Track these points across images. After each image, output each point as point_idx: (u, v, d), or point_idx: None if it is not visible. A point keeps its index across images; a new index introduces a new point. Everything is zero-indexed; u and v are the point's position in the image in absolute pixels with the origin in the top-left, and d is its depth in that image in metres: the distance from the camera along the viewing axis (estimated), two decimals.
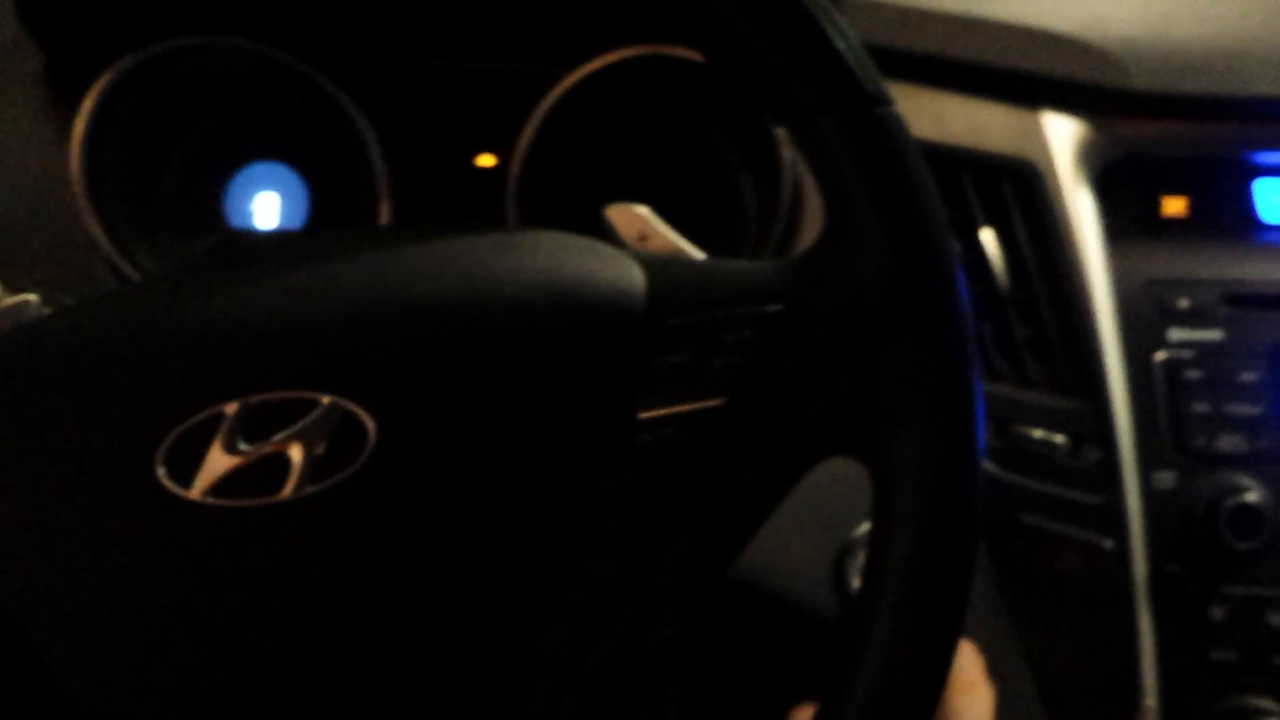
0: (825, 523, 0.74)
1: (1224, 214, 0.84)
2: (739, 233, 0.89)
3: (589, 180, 0.89)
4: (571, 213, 0.83)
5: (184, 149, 0.85)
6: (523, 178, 0.83)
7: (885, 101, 0.47)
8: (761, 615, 0.76)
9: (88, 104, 0.75)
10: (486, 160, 0.87)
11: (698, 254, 0.53)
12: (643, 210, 0.55)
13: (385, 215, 0.82)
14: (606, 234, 0.54)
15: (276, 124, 0.87)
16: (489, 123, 0.87)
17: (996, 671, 0.75)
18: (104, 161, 0.77)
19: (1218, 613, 0.75)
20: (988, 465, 0.76)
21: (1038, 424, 0.76)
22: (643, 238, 0.54)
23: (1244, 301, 0.78)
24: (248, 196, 0.87)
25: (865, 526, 0.74)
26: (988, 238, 0.78)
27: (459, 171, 0.88)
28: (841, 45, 0.46)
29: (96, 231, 0.75)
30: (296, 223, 0.88)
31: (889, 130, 0.46)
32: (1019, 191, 0.80)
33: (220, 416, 0.42)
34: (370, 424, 0.43)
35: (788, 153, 0.81)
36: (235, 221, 0.87)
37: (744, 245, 0.87)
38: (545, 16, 0.84)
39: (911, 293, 0.46)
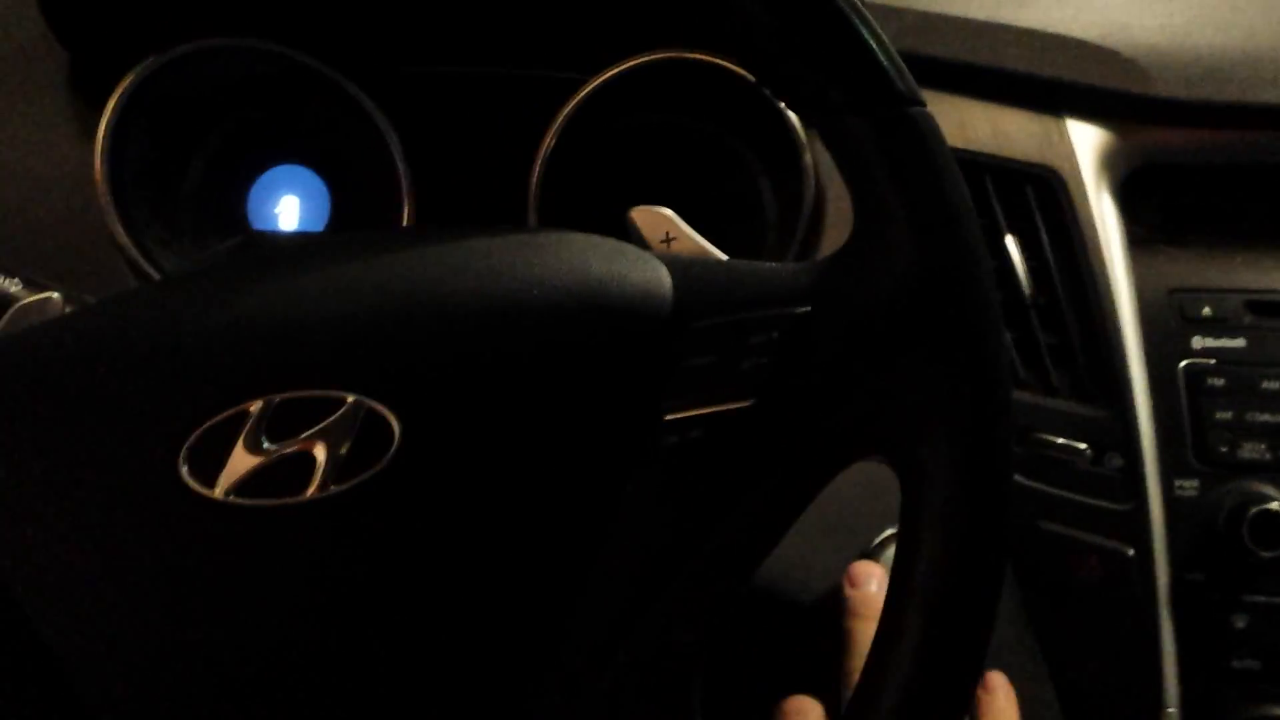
0: (845, 527, 0.74)
1: (1247, 221, 0.84)
2: (759, 239, 0.88)
3: (609, 186, 0.89)
4: (591, 218, 0.83)
5: (207, 151, 0.85)
6: (544, 183, 0.83)
7: (918, 102, 0.46)
8: (780, 620, 0.76)
9: (111, 104, 0.75)
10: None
11: (722, 256, 0.53)
12: (667, 212, 0.55)
13: (407, 220, 0.82)
14: (631, 237, 0.54)
15: (300, 127, 0.87)
16: (511, 127, 0.87)
17: (1018, 678, 0.75)
18: (127, 162, 0.77)
19: (1240, 622, 0.74)
20: None
21: (1060, 431, 0.76)
22: (667, 240, 0.54)
23: (1268, 309, 0.78)
24: (270, 200, 0.87)
25: (886, 532, 0.74)
26: (1011, 244, 0.78)
27: (481, 176, 0.88)
28: (873, 44, 0.46)
29: (119, 232, 0.75)
30: (318, 227, 0.88)
31: (921, 131, 0.46)
32: (1042, 198, 0.80)
33: (244, 415, 0.42)
34: (395, 423, 0.43)
35: (809, 158, 0.81)
36: (257, 224, 0.87)
37: (764, 251, 0.87)
38: (568, 21, 0.84)
39: (942, 295, 0.45)
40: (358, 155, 0.84)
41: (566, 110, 0.82)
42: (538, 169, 0.83)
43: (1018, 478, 0.75)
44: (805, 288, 0.47)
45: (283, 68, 0.81)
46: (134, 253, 0.76)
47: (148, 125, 0.79)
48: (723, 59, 0.79)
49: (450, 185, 0.87)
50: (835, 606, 0.71)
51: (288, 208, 0.87)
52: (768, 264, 0.49)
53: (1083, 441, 0.75)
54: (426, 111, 0.87)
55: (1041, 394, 0.77)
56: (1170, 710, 0.75)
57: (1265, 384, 0.76)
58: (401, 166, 0.82)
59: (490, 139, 0.87)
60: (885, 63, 0.46)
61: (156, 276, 0.76)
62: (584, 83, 0.82)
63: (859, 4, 0.46)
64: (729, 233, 0.86)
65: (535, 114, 0.84)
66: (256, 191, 0.87)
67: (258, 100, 0.85)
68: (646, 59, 0.82)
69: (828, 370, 0.46)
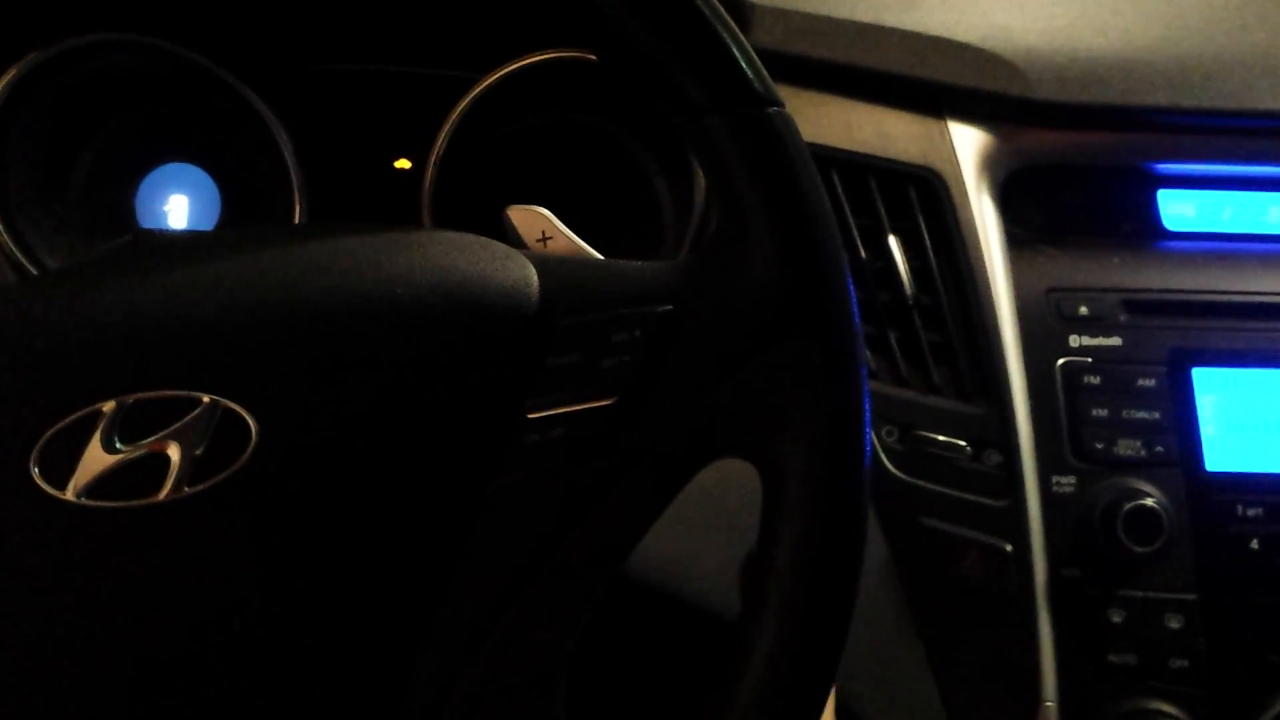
0: (733, 528, 0.75)
1: (1124, 222, 0.85)
2: (656, 237, 0.89)
3: (505, 184, 0.88)
4: (487, 217, 0.83)
5: (93, 148, 0.84)
6: (437, 181, 0.82)
7: (774, 102, 0.47)
8: (669, 620, 0.76)
9: None
10: (402, 164, 0.87)
11: (595, 255, 0.53)
12: (543, 211, 0.55)
13: (299, 219, 0.81)
14: (507, 235, 0.54)
15: (189, 125, 0.86)
16: (404, 126, 0.86)
17: (900, 673, 0.76)
18: (9, 158, 0.76)
19: (1116, 616, 0.76)
20: (891, 469, 0.76)
21: (941, 429, 0.77)
22: (543, 239, 0.54)
23: (1143, 308, 0.80)
24: (160, 198, 0.86)
25: None
26: (894, 244, 0.79)
27: (374, 175, 0.87)
28: (732, 46, 0.46)
29: None
30: (209, 226, 0.87)
31: (777, 130, 0.47)
32: (924, 199, 0.81)
33: (97, 415, 0.41)
34: (252, 423, 0.42)
35: None
36: (146, 223, 0.86)
37: (661, 250, 0.88)
38: (463, 21, 0.84)
39: (798, 293, 0.46)
40: (249, 154, 0.84)
41: (459, 110, 0.82)
42: (431, 169, 0.82)
43: (899, 474, 0.76)
44: (668, 286, 0.47)
45: (172, 65, 0.80)
46: (14, 251, 0.75)
47: (31, 121, 0.78)
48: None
49: (344, 185, 0.86)
50: (719, 605, 0.71)
51: (177, 206, 0.86)
52: (635, 263, 0.49)
53: (962, 438, 0.76)
54: (320, 110, 0.86)
55: (922, 391, 0.78)
56: (1049, 704, 0.75)
57: (1140, 382, 0.77)
58: (292, 165, 0.81)
59: (384, 138, 0.87)
60: (743, 64, 0.46)
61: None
62: (478, 81, 0.82)
63: (718, 6, 0.47)
64: (626, 232, 0.86)
65: (430, 113, 0.83)
66: (145, 189, 0.86)
67: (147, 97, 0.84)
68: (538, 58, 0.82)
69: (688, 368, 0.46)
